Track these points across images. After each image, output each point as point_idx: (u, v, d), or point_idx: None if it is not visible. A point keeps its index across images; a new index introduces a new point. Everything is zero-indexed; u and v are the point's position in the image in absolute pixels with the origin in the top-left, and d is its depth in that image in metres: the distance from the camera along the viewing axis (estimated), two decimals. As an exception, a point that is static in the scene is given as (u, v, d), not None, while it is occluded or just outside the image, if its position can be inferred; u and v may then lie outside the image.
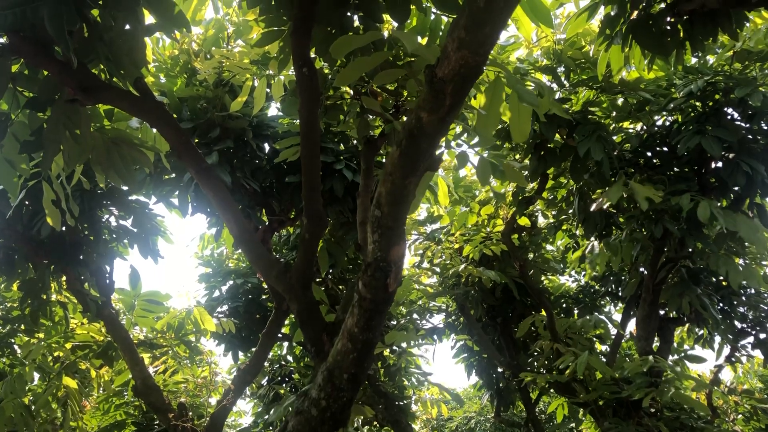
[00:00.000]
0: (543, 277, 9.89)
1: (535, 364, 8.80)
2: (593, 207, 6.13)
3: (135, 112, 3.27)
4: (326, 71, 4.35)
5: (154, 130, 3.78)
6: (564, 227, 8.19)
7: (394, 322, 9.17)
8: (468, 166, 8.66)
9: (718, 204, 6.11)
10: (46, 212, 4.56)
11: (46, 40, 3.18)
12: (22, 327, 7.40)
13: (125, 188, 6.43)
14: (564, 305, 10.08)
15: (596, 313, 8.61)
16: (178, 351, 7.55)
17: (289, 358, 10.00)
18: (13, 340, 7.45)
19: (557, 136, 6.51)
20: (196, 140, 5.34)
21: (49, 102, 3.36)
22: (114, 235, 6.92)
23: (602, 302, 10.10)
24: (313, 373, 2.71)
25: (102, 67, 3.56)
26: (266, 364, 9.54)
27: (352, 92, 4.22)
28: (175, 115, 5.43)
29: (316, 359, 2.87)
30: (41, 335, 7.92)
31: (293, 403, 2.68)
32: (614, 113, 6.73)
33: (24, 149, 3.41)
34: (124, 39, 3.21)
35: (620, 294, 9.30)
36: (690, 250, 6.46)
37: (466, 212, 7.79)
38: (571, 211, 7.70)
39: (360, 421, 9.69)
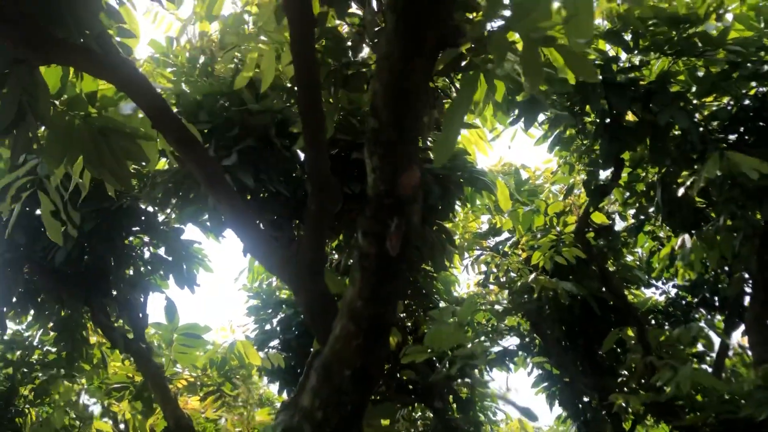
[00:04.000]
0: (626, 292, 8.86)
1: (626, 388, 7.75)
2: (680, 192, 5.21)
3: (97, 72, 2.68)
4: (345, 35, 3.70)
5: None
6: (646, 228, 7.21)
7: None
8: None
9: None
10: (46, 226, 4.04)
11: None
12: (62, 372, 6.91)
13: (150, 209, 5.92)
14: (653, 321, 8.98)
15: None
16: (225, 390, 6.90)
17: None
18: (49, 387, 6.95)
19: (630, 116, 5.66)
20: (215, 143, 4.76)
21: (3, 77, 2.80)
22: (149, 267, 6.43)
23: (696, 315, 8.94)
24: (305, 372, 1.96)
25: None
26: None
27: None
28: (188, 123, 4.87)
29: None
30: (84, 381, 7.44)
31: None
32: (694, 87, 5.81)
33: (-19, 135, 2.85)
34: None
35: (716, 303, 8.19)
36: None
37: (530, 212, 6.91)
38: (652, 209, 6.74)
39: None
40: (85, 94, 3.47)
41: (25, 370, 6.82)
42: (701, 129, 5.55)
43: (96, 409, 6.96)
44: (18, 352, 6.85)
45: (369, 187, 1.59)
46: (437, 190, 5.17)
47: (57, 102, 3.47)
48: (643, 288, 9.39)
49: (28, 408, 6.72)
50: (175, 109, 5.18)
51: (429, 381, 5.29)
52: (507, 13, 1.68)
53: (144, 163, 3.66)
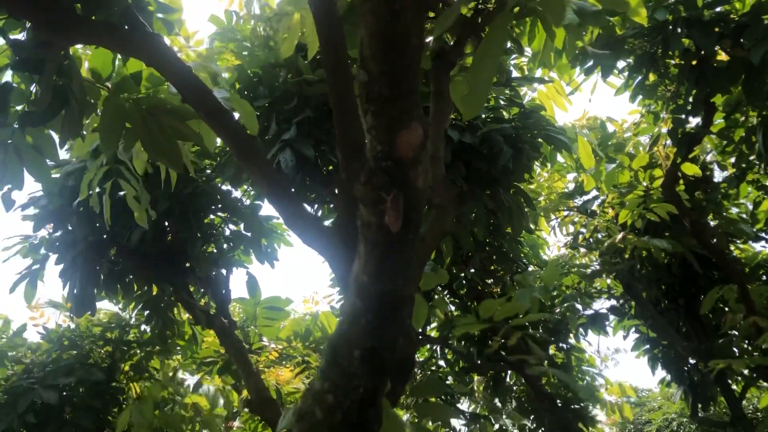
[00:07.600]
0: (732, 246, 8.24)
1: (735, 349, 7.22)
2: (782, 134, 4.71)
3: (123, 49, 2.63)
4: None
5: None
6: (749, 177, 6.62)
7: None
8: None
9: None
10: (133, 210, 4.18)
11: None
12: (157, 348, 7.19)
13: (225, 188, 5.99)
14: (764, 277, 8.31)
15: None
16: (310, 361, 6.97)
17: (441, 363, 9.11)
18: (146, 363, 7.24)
19: (720, 55, 5.15)
20: (276, 116, 4.69)
21: (41, 62, 2.81)
22: (231, 244, 6.52)
23: (813, 268, 8.20)
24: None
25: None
26: (416, 369, 8.73)
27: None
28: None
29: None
30: (179, 358, 7.71)
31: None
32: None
33: (24, 122, 2.88)
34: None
35: (837, 255, 7.47)
36: None
37: (614, 169, 6.46)
38: (753, 156, 6.17)
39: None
40: (131, 75, 3.47)
41: (124, 348, 7.15)
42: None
43: (191, 383, 7.21)
44: (116, 331, 7.18)
45: (367, 150, 1.44)
46: (508, 150, 4.91)
47: (109, 85, 3.51)
48: (751, 242, 8.71)
49: (129, 383, 7.05)
50: (237, 86, 5.16)
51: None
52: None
53: (197, 142, 3.62)
